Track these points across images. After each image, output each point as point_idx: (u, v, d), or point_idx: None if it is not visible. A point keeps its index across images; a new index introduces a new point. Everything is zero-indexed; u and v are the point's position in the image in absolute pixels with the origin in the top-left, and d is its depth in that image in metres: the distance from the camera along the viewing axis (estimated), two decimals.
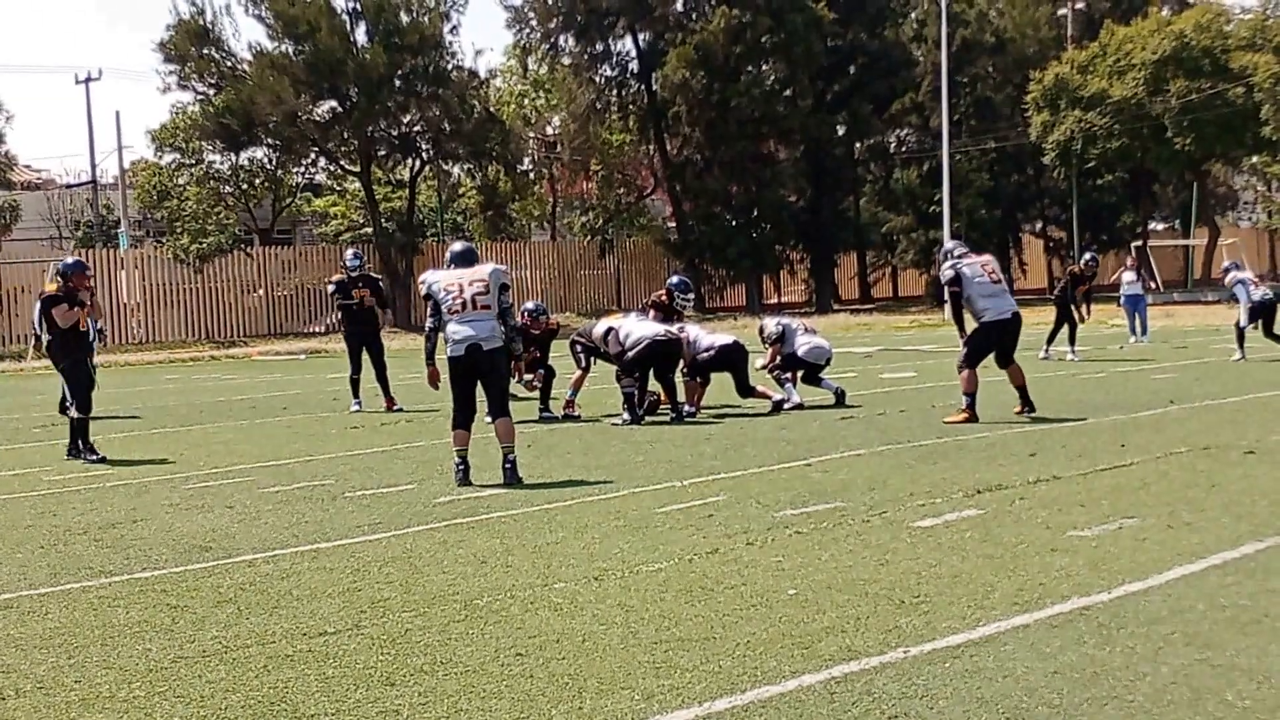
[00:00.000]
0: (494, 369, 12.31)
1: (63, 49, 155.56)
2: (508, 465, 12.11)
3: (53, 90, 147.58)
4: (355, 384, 20.20)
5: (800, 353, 18.46)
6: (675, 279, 18.97)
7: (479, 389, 12.31)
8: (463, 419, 12.27)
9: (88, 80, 62.72)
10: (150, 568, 8.94)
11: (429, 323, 12.41)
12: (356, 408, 19.85)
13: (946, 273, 15.98)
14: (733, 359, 17.69)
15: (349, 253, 21.64)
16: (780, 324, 18.82)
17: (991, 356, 15.86)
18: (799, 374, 18.50)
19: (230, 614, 7.60)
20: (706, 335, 18.22)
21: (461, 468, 12.07)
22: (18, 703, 6.13)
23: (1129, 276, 31.48)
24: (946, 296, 16.46)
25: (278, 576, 8.51)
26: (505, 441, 12.20)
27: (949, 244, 16.83)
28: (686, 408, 17.21)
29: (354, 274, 20.58)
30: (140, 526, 10.57)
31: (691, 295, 18.80)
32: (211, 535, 10.06)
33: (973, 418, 15.34)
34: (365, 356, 20.28)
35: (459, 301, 12.20)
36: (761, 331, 19.05)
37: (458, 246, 13.12)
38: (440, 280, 12.42)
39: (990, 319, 15.63)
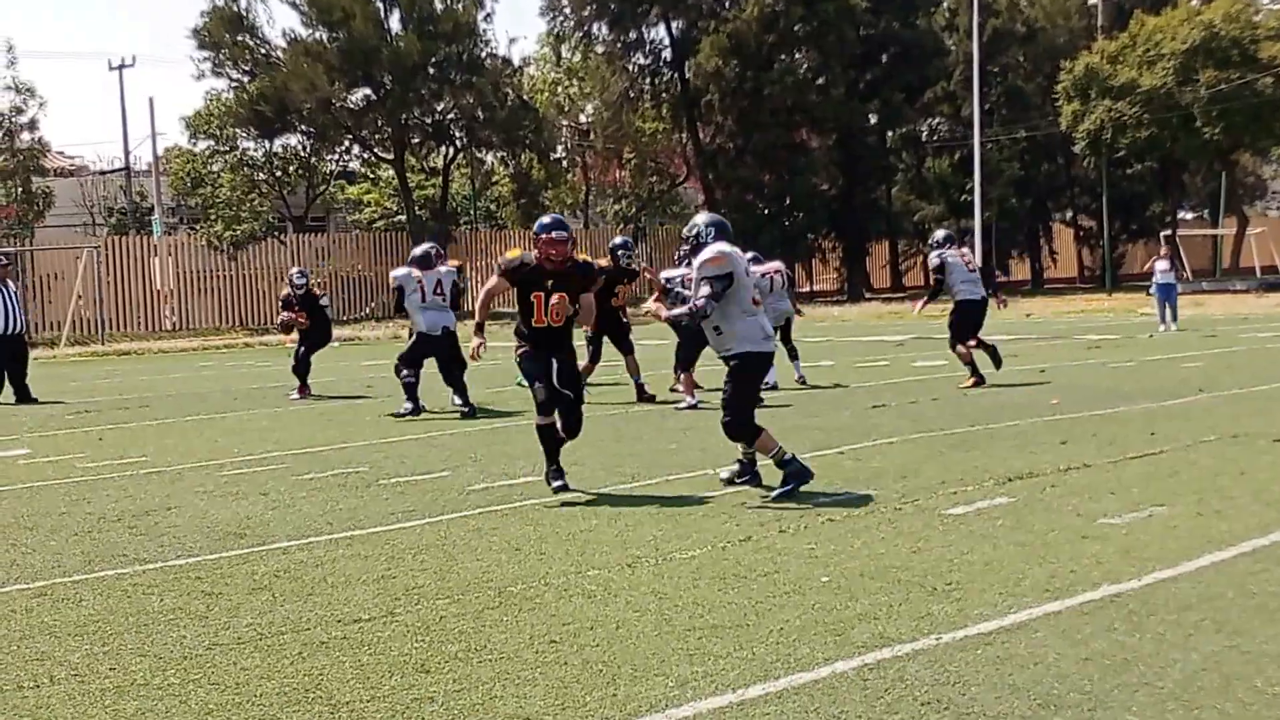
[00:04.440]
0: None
1: (96, 35, 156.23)
2: None
3: (86, 77, 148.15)
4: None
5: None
6: (617, 239, 20.13)
7: None
8: None
9: (121, 67, 62.98)
10: (184, 555, 8.99)
11: None
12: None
13: (933, 260, 18.90)
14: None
15: (295, 270, 21.64)
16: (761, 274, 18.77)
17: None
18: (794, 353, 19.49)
19: (264, 601, 7.64)
20: None
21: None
22: (52, 690, 6.17)
23: (1163, 265, 31.46)
24: (931, 280, 19.55)
25: (312, 564, 8.56)
26: None
27: (939, 234, 19.46)
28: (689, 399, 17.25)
29: (300, 292, 20.62)
30: (174, 514, 10.62)
31: (633, 250, 19.95)
32: (246, 522, 10.11)
33: (979, 380, 18.12)
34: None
35: None
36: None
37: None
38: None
39: (964, 298, 18.54)
